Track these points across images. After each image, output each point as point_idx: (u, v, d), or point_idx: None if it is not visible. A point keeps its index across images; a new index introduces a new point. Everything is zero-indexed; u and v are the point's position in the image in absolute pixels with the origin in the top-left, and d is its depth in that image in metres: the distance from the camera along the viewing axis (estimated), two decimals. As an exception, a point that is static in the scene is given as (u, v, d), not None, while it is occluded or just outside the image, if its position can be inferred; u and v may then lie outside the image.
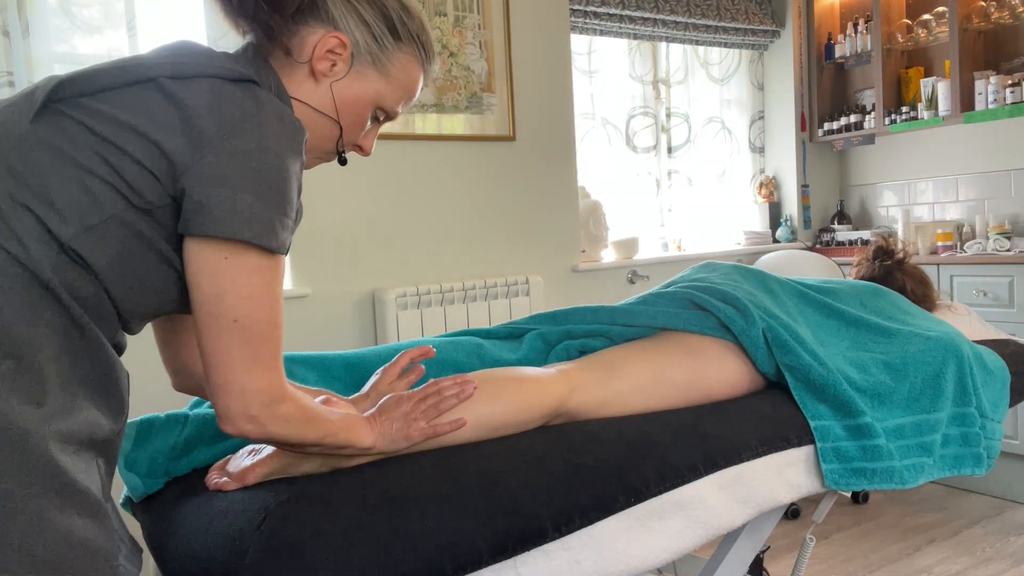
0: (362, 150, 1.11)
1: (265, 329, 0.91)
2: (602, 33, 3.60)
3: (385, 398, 1.14)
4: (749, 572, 2.27)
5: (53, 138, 0.86)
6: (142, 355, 2.48)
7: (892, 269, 1.99)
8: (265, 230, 0.88)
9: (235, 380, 0.90)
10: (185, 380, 1.16)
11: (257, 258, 0.89)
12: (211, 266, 0.88)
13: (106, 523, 0.87)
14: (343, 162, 1.09)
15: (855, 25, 3.99)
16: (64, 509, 0.82)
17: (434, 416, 1.13)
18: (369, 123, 1.08)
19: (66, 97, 0.88)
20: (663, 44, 3.92)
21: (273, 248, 0.89)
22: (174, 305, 0.97)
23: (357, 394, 1.28)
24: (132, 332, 0.98)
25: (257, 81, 0.94)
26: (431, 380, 1.18)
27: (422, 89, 1.12)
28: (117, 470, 1.23)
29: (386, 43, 1.03)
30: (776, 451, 1.35)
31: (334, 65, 1.01)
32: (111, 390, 0.91)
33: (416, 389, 1.14)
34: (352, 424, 1.06)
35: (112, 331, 0.92)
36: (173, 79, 0.90)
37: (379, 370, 1.29)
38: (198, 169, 0.86)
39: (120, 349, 0.98)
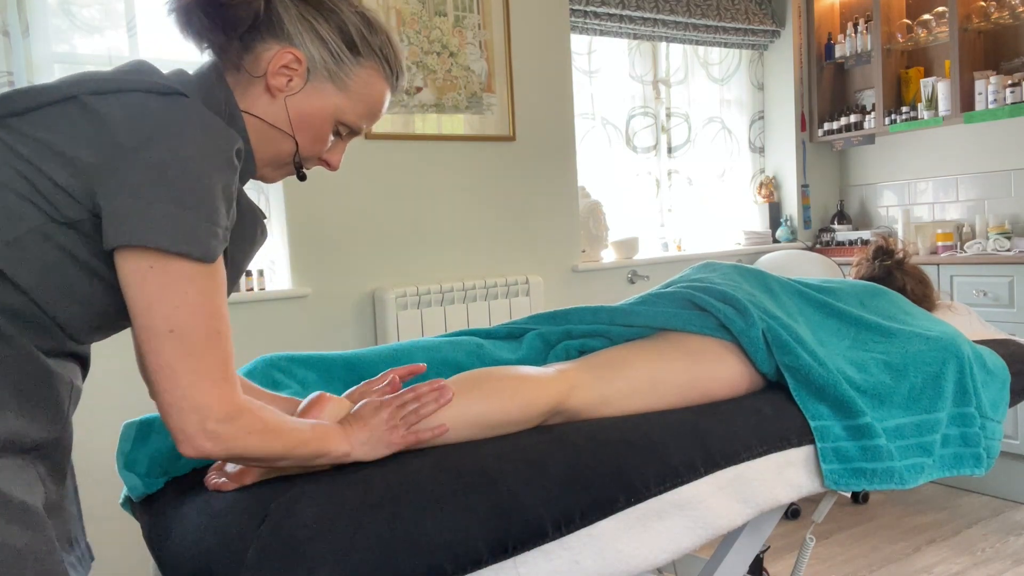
0: (328, 164, 1.11)
1: (205, 338, 0.89)
2: (602, 33, 3.60)
3: (360, 403, 1.12)
4: (749, 572, 2.27)
5: None
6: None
7: (892, 269, 1.99)
8: (186, 238, 0.86)
9: (183, 396, 0.88)
10: None
11: (185, 266, 0.88)
12: (137, 276, 0.87)
13: (35, 524, 0.87)
14: (301, 177, 1.08)
15: (855, 25, 3.99)
16: None
17: (414, 422, 1.11)
18: (332, 138, 1.08)
19: None
20: (663, 44, 3.92)
21: (197, 256, 0.87)
22: (112, 318, 0.96)
23: (348, 392, 1.27)
24: (83, 343, 0.97)
25: (185, 94, 0.93)
26: (394, 388, 1.17)
27: (388, 104, 1.12)
28: (117, 470, 1.23)
29: (344, 58, 1.03)
30: (776, 451, 1.35)
31: (290, 80, 1.01)
32: (43, 399, 0.91)
33: (393, 396, 1.12)
34: (324, 433, 1.04)
35: (52, 342, 0.92)
36: (95, 95, 0.90)
37: (364, 382, 1.27)
38: (114, 181, 0.86)
39: (78, 358, 0.98)
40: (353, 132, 1.09)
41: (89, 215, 0.88)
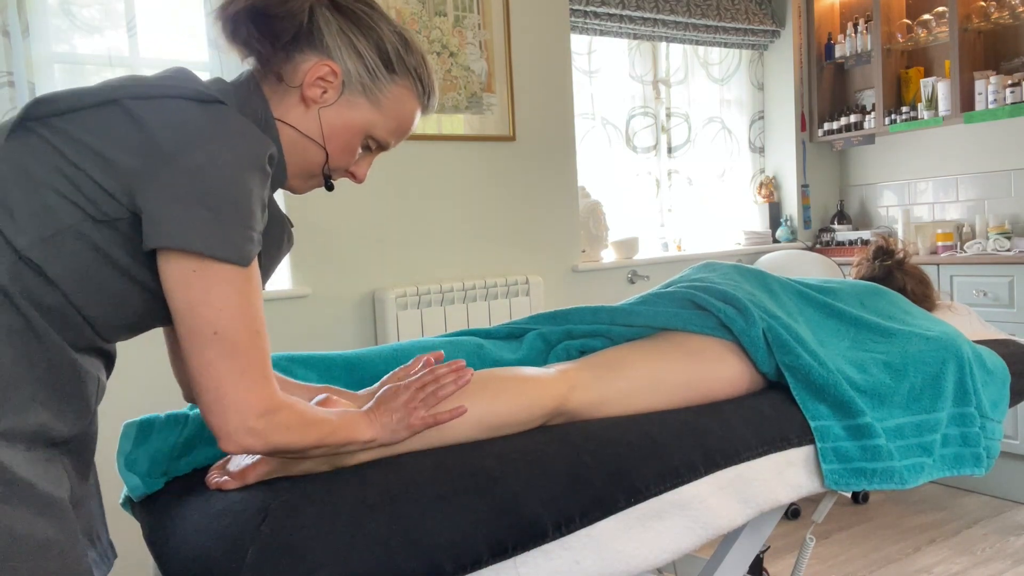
0: (355, 177, 1.13)
1: (248, 339, 0.92)
2: (602, 33, 3.60)
3: (382, 390, 1.14)
4: (749, 572, 2.27)
5: (20, 154, 0.90)
6: (142, 358, 2.48)
7: (892, 269, 1.99)
8: (225, 242, 0.89)
9: (227, 394, 0.91)
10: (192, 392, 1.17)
11: (225, 270, 0.90)
12: (180, 279, 0.90)
13: (60, 517, 0.89)
14: (330, 188, 1.11)
15: (855, 25, 3.99)
16: (9, 501, 0.84)
17: (434, 404, 1.13)
18: (361, 151, 1.10)
19: (40, 116, 0.92)
20: (663, 44, 3.92)
21: (236, 260, 0.90)
22: (142, 318, 0.98)
23: (364, 391, 1.27)
24: (111, 341, 0.99)
25: (223, 101, 0.96)
26: (428, 368, 1.18)
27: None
28: (117, 470, 1.23)
29: (379, 74, 1.06)
30: (776, 451, 1.35)
31: (324, 92, 1.04)
32: (72, 394, 0.93)
33: (413, 379, 1.14)
34: (351, 420, 1.06)
35: (82, 339, 0.94)
36: (136, 99, 0.93)
37: (393, 371, 1.29)
38: (154, 185, 0.88)
39: (104, 355, 0.99)
40: (381, 147, 1.12)
41: (128, 214, 0.90)
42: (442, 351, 1.28)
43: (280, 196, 2.78)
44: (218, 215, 0.89)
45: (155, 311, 0.97)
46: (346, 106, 1.05)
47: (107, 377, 1.02)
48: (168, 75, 0.99)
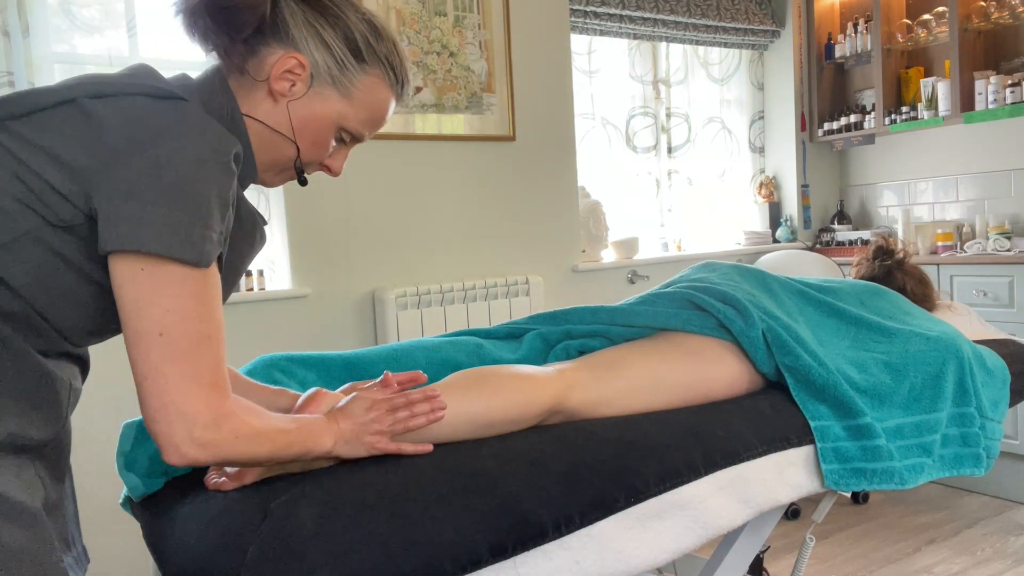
0: (330, 170, 1.10)
1: (196, 343, 0.88)
2: (602, 33, 3.60)
3: (350, 397, 1.11)
4: (749, 572, 2.27)
5: None
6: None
7: (892, 269, 1.99)
8: (179, 242, 0.86)
9: (172, 401, 0.87)
10: None
11: (177, 270, 0.87)
12: (128, 278, 0.86)
13: (33, 525, 0.87)
14: (303, 182, 1.08)
15: (855, 25, 3.99)
16: None
17: (401, 432, 1.10)
18: (334, 144, 1.07)
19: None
20: (663, 44, 3.92)
21: (190, 260, 0.87)
22: (108, 321, 0.96)
23: (341, 388, 1.26)
24: (80, 345, 0.97)
25: (184, 98, 0.93)
26: (401, 392, 1.14)
27: (392, 112, 1.11)
28: (117, 470, 1.23)
29: (349, 65, 1.02)
30: (776, 451, 1.35)
31: (292, 85, 1.01)
32: (42, 400, 0.91)
33: (385, 399, 1.10)
34: (310, 430, 1.03)
35: (50, 345, 0.92)
36: (93, 98, 0.90)
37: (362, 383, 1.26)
38: (108, 184, 0.86)
39: (77, 359, 0.98)
40: (356, 139, 1.09)
41: (85, 219, 0.88)
42: (424, 374, 1.23)
43: (280, 196, 2.77)
44: (175, 213, 0.86)
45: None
46: (316, 99, 1.02)
47: (82, 381, 1.00)
48: (128, 72, 0.96)
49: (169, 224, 0.85)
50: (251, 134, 1.02)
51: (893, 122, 3.80)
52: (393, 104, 1.09)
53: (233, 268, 1.02)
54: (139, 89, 0.92)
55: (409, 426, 1.10)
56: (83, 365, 1.00)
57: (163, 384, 0.87)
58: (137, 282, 0.86)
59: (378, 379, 1.20)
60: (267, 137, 1.03)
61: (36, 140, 0.88)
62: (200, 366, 0.88)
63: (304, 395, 1.15)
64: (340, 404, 1.10)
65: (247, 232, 1.02)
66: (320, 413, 1.11)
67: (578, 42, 3.60)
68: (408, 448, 1.11)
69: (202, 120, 0.91)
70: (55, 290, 0.90)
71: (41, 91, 0.91)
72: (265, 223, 1.07)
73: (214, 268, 0.91)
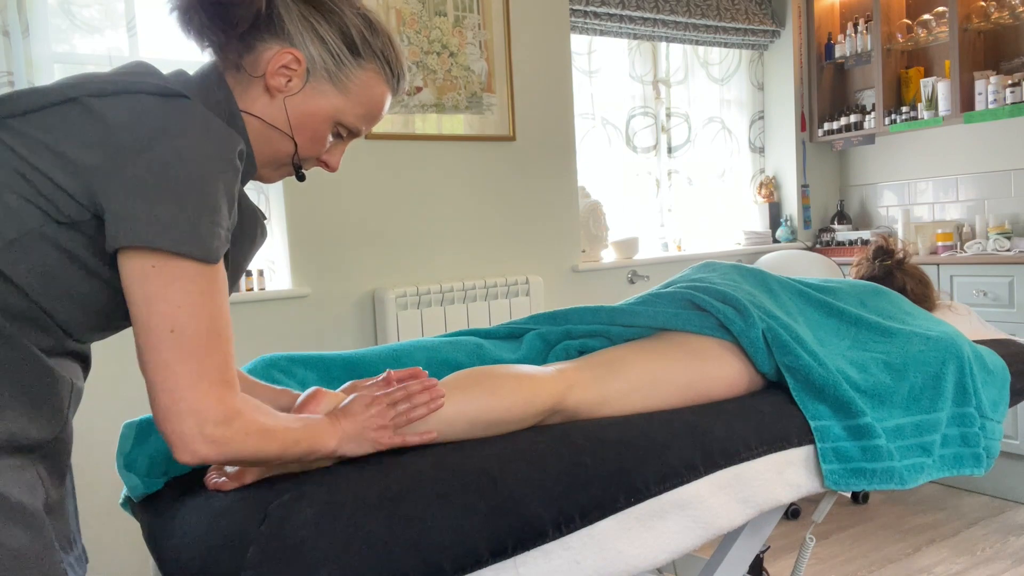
0: (327, 165, 1.10)
1: (207, 340, 0.88)
2: (602, 33, 3.60)
3: (351, 397, 1.11)
4: (749, 572, 2.27)
5: None
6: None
7: (892, 269, 1.99)
8: (189, 238, 0.86)
9: (182, 399, 0.87)
10: None
11: (187, 266, 0.87)
12: (139, 275, 0.87)
13: (33, 525, 0.87)
14: (300, 178, 1.08)
15: (855, 25, 3.99)
16: None
17: (403, 424, 1.10)
18: (332, 139, 1.07)
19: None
20: (663, 44, 3.92)
21: (199, 256, 0.87)
22: (112, 318, 0.96)
23: (341, 388, 1.26)
24: (84, 342, 0.97)
25: (186, 95, 0.93)
26: (400, 385, 1.14)
27: (389, 106, 1.11)
28: (117, 470, 1.23)
29: (344, 60, 1.03)
30: (776, 451, 1.35)
31: (289, 81, 1.01)
32: (43, 398, 0.91)
33: (384, 393, 1.11)
34: (315, 430, 1.03)
35: (53, 342, 0.92)
36: (96, 97, 0.90)
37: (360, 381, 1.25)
38: (116, 182, 0.86)
39: (80, 357, 0.98)
40: (352, 134, 1.09)
41: (91, 216, 0.88)
42: (424, 369, 1.22)
43: (280, 196, 2.77)
44: (183, 211, 0.86)
45: (125, 310, 0.93)
46: (312, 94, 1.02)
47: (84, 380, 1.00)
48: (127, 70, 0.96)
49: (178, 221, 0.86)
50: (248, 130, 1.02)
51: (893, 122, 3.80)
52: (389, 98, 1.09)
53: (235, 265, 1.02)
54: (142, 87, 0.92)
55: (411, 417, 1.10)
56: (85, 363, 1.00)
57: (174, 381, 0.87)
58: (147, 279, 0.87)
59: (379, 377, 1.21)
60: (264, 133, 1.03)
61: (39, 137, 0.88)
62: (211, 363, 0.89)
63: (304, 394, 1.15)
64: (341, 404, 1.11)
65: (248, 228, 1.02)
66: (320, 412, 1.11)
67: (578, 42, 3.60)
68: (413, 439, 1.11)
69: (207, 118, 0.92)
70: (61, 287, 0.90)
71: (42, 90, 0.91)
72: (265, 219, 1.08)
73: (222, 265, 0.91)
